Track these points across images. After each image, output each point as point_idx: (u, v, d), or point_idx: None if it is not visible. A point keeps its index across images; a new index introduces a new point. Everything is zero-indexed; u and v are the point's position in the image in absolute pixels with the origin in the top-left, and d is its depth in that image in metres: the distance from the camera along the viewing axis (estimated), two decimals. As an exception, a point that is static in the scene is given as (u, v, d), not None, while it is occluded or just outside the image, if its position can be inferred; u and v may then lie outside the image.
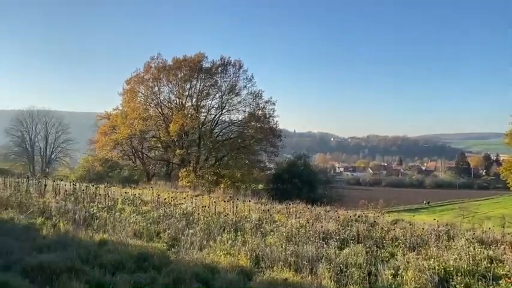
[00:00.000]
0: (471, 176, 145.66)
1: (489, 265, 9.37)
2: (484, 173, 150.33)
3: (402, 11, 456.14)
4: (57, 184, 17.92)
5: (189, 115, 44.45)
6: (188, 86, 45.54)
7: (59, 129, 71.85)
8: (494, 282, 7.84)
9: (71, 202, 13.60)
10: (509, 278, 8.24)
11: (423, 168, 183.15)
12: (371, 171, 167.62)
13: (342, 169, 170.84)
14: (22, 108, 73.65)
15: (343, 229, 12.87)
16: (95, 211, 12.40)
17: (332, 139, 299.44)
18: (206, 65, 45.43)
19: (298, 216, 15.56)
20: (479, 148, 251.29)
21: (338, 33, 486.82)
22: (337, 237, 10.94)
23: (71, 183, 19.66)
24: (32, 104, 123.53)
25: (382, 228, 13.95)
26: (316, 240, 10.31)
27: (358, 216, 16.60)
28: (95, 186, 19.39)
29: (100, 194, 16.74)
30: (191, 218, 12.92)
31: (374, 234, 12.87)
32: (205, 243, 9.52)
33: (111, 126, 46.67)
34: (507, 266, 9.54)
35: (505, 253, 11.05)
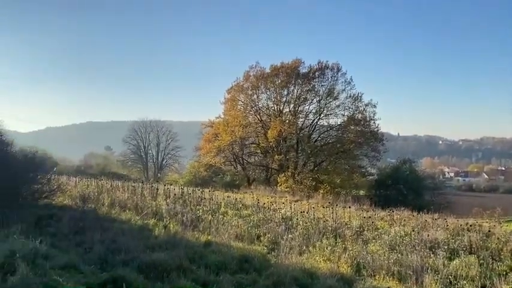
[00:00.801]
0: None
1: None
2: None
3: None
4: (167, 188, 19.38)
5: (287, 121, 44.87)
6: (285, 92, 46.04)
7: (168, 138, 77.66)
8: None
9: (180, 205, 14.61)
10: None
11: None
12: (486, 176, 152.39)
13: (452, 174, 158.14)
14: (137, 119, 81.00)
15: (452, 238, 11.98)
16: (200, 214, 13.17)
17: (440, 142, 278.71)
18: (303, 70, 45.50)
19: (402, 224, 14.83)
20: None
21: (439, 29, 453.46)
22: (446, 247, 10.20)
23: (179, 188, 21.13)
24: (145, 115, 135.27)
25: (499, 238, 12.68)
26: (422, 250, 9.73)
27: (471, 225, 15.27)
28: (200, 190, 20.60)
29: (205, 198, 17.72)
30: (290, 223, 13.05)
31: (489, 245, 11.77)
32: (304, 248, 9.55)
33: (214, 133, 49.03)
34: None
35: None
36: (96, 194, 14.52)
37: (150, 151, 77.55)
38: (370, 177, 47.35)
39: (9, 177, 9.23)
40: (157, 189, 18.44)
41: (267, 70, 46.23)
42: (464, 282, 7.26)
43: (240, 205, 17.14)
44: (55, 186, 11.89)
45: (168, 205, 14.08)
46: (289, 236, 10.40)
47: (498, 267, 9.01)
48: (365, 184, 45.41)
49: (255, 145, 50.27)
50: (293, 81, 45.17)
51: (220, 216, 13.11)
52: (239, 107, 48.29)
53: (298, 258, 8.40)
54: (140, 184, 19.94)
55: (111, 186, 18.98)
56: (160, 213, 12.54)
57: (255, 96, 47.57)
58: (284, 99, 46.36)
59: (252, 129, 47.91)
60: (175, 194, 17.62)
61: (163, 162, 77.40)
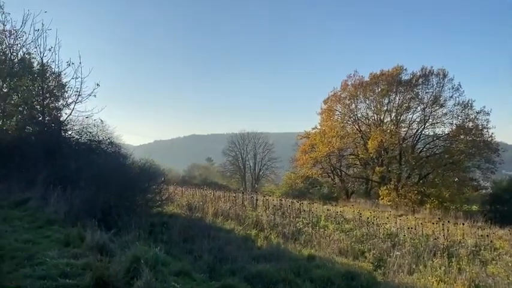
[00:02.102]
0: None
1: None
2: None
3: None
4: (266, 199, 19.63)
5: (388, 131, 42.94)
6: (386, 101, 44.18)
7: (265, 149, 79.14)
8: None
9: (279, 216, 14.67)
10: None
11: None
12: None
13: None
14: (235, 131, 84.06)
15: None
16: (300, 226, 13.07)
17: None
18: (405, 77, 43.29)
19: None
20: None
21: None
22: None
23: (277, 199, 21.30)
24: (243, 128, 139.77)
25: None
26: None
27: None
28: (298, 202, 20.53)
29: (304, 210, 17.59)
30: (396, 239, 12.35)
31: None
32: (414, 267, 8.93)
33: (311, 144, 48.77)
34: None
35: None
36: (201, 203, 15.21)
37: (248, 162, 79.73)
38: (484, 191, 43.12)
39: (128, 187, 10.07)
40: (256, 199, 18.76)
41: (366, 78, 44.95)
42: None
43: (341, 219, 16.69)
44: (166, 196, 12.69)
45: (268, 216, 14.22)
46: (397, 253, 9.81)
47: None
48: (478, 199, 41.41)
49: (353, 156, 48.92)
50: (394, 89, 43.21)
51: (321, 230, 12.86)
52: (336, 117, 47.52)
53: (408, 277, 7.86)
54: (240, 195, 20.47)
55: (213, 196, 19.77)
56: (261, 224, 12.69)
57: (353, 105, 46.45)
58: (385, 108, 44.53)
59: (351, 140, 46.72)
60: (274, 205, 17.76)
61: (260, 173, 78.96)
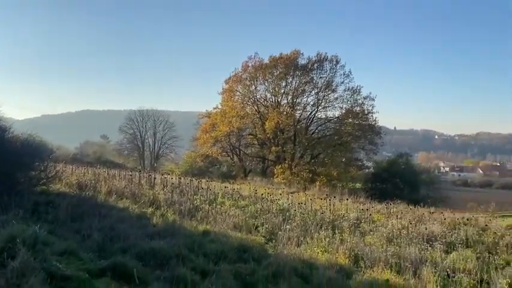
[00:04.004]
0: None
1: None
2: None
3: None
4: (165, 178, 19.32)
5: (285, 112, 44.81)
6: (284, 84, 45.91)
7: (165, 127, 77.28)
8: None
9: (177, 194, 14.57)
10: None
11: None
12: (481, 171, 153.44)
13: (447, 169, 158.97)
14: (133, 108, 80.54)
15: (449, 232, 12.04)
16: (198, 203, 13.15)
17: (436, 137, 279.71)
18: (302, 61, 45.36)
19: (399, 217, 14.88)
20: None
21: (445, 23, 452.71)
22: (443, 240, 10.26)
23: (176, 177, 21.10)
24: (142, 104, 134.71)
25: (495, 233, 12.77)
26: (420, 243, 9.78)
27: (467, 219, 15.39)
28: (197, 180, 20.58)
29: (202, 188, 17.70)
30: (287, 214, 13.06)
31: (485, 239, 11.87)
32: (302, 239, 9.56)
33: (211, 124, 48.93)
34: None
35: None
36: (93, 182, 14.44)
37: (147, 140, 77.26)
38: (367, 171, 47.56)
39: (6, 163, 9.13)
40: (154, 178, 18.38)
41: (266, 61, 46.08)
42: (462, 275, 7.28)
43: (237, 195, 17.15)
44: (52, 173, 11.78)
45: (165, 194, 14.04)
46: (287, 226, 10.41)
47: (495, 261, 9.07)
48: (361, 177, 45.60)
49: (252, 136, 50.23)
50: (292, 73, 45.03)
51: (218, 206, 13.10)
52: (237, 97, 48.16)
53: (296, 249, 8.40)
54: (137, 173, 19.86)
55: (108, 174, 18.89)
56: (158, 202, 12.49)
57: (253, 87, 47.45)
58: (282, 90, 46.24)
59: (250, 120, 47.84)
60: (172, 184, 17.57)
61: (160, 152, 77.23)
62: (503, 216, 30.67)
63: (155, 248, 6.48)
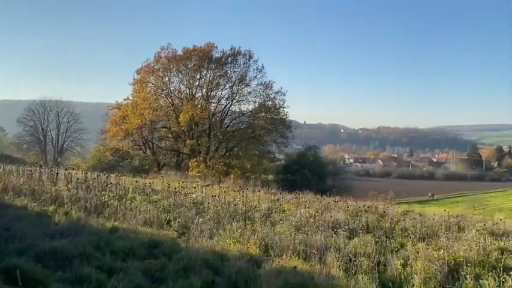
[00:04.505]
0: (483, 168, 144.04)
1: (500, 256, 9.32)
2: (496, 165, 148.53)
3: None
4: (69, 173, 18.13)
5: (199, 105, 44.54)
6: (198, 76, 45.57)
7: (70, 119, 72.30)
8: (505, 273, 7.78)
9: (83, 190, 13.76)
10: (520, 269, 8.19)
11: (434, 160, 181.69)
12: (381, 162, 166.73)
13: (351, 160, 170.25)
14: (34, 98, 74.13)
15: (352, 219, 12.90)
16: (106, 199, 12.54)
17: (342, 130, 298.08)
18: (216, 55, 45.43)
19: (307, 206, 15.60)
20: (491, 140, 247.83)
21: (349, 23, 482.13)
22: (346, 227, 10.95)
23: (83, 172, 19.90)
24: (44, 94, 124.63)
25: (391, 219, 13.93)
26: (325, 230, 10.35)
27: (368, 207, 16.60)
28: (106, 175, 19.60)
29: (111, 183, 16.90)
30: (201, 207, 13.03)
31: (383, 224, 12.89)
32: (215, 231, 9.59)
33: (122, 116, 46.94)
34: (519, 258, 9.49)
35: (517, 245, 10.98)
36: (-15, 178, 13.07)
37: (49, 133, 71.68)
38: (278, 163, 49.22)
39: None
40: (57, 173, 17.14)
41: (179, 52, 45.29)
42: (362, 258, 7.84)
43: (150, 190, 16.67)
44: None
45: (69, 191, 13.18)
46: (200, 219, 10.38)
47: (391, 244, 9.93)
48: (273, 169, 47.10)
49: (165, 129, 49.17)
50: (206, 66, 44.83)
51: (128, 202, 12.61)
52: (149, 89, 46.75)
53: (209, 241, 8.41)
54: (38, 168, 18.36)
55: (3, 170, 17.22)
56: (61, 199, 11.69)
57: (167, 78, 46.43)
58: (197, 83, 45.87)
59: (163, 113, 46.75)
60: (77, 179, 16.54)
61: (65, 146, 72.21)
62: (399, 203, 33.67)
63: (56, 247, 6.06)
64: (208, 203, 13.95)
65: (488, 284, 6.97)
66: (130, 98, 47.89)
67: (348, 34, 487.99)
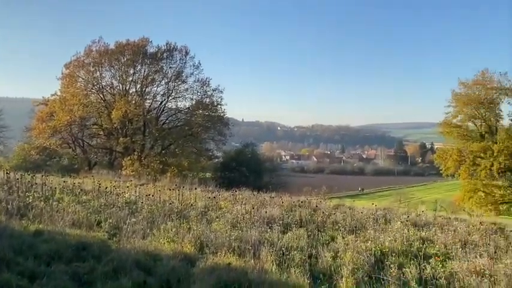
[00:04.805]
0: (408, 164, 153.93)
1: (421, 245, 10.02)
2: (420, 161, 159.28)
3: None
4: (-12, 173, 16.81)
5: (133, 102, 43.10)
6: (132, 71, 44.05)
7: (-11, 115, 66.85)
8: (425, 261, 8.38)
9: (4, 192, 12.84)
10: (438, 257, 8.86)
11: (364, 156, 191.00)
12: (315, 159, 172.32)
13: (287, 157, 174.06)
14: None
15: (286, 214, 13.20)
16: (30, 201, 11.78)
17: (279, 128, 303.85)
18: (151, 50, 44.19)
19: (244, 203, 15.70)
20: (416, 137, 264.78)
21: (285, 23, 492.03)
22: (281, 222, 11.20)
23: (4, 173, 18.52)
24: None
25: (323, 212, 14.44)
26: (261, 225, 10.50)
27: (301, 202, 17.06)
28: (31, 175, 18.39)
29: (36, 183, 15.90)
30: (134, 207, 12.66)
31: (316, 218, 13.31)
32: (148, 231, 9.37)
33: (49, 112, 44.22)
34: (437, 246, 10.26)
35: (435, 234, 11.86)
36: None
37: (-34, 131, 65.78)
38: (217, 160, 49.10)
39: None
40: (-26, 174, 15.82)
41: (112, 47, 43.52)
42: (295, 252, 8.06)
43: (79, 190, 15.88)
44: None
45: (-12, 192, 12.23)
46: (133, 220, 10.08)
47: (322, 237, 10.29)
48: (211, 167, 46.90)
49: (97, 126, 47.07)
50: (140, 61, 43.50)
51: (55, 203, 11.93)
52: (79, 84, 44.44)
53: (141, 242, 8.20)
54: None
55: None
56: (-22, 202, 10.82)
57: (98, 73, 44.41)
58: (130, 78, 44.36)
59: (94, 109, 44.70)
60: (-2, 180, 15.40)
61: (-17, 144, 66.61)
62: (332, 197, 34.98)
63: (-30, 254, 5.61)
64: (142, 202, 13.59)
65: (410, 272, 7.46)
66: (59, 93, 45.25)
67: (284, 34, 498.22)
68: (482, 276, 7.41)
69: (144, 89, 44.66)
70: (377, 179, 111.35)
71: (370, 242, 9.51)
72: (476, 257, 8.72)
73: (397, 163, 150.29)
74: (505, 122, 33.09)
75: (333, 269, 7.56)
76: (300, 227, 11.61)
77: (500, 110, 33.30)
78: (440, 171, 37.08)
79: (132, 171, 37.05)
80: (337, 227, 11.78)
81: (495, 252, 10.01)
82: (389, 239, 10.03)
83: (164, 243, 8.40)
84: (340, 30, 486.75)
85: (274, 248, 8.15)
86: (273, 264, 7.31)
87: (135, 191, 17.30)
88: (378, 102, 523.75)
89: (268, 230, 10.13)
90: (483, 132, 33.59)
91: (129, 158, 40.37)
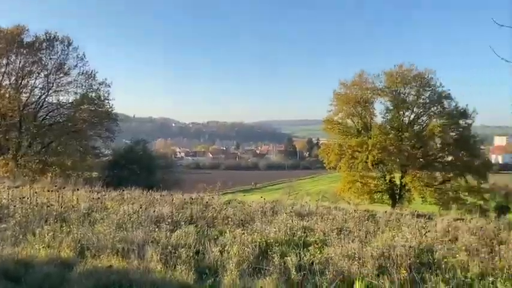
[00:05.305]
0: (297, 158, 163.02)
1: (303, 234, 10.74)
2: (307, 155, 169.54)
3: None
4: None
5: (7, 95, 38.71)
6: (5, 62, 39.42)
7: None
8: (305, 249, 9.00)
9: None
10: (317, 244, 9.58)
11: (258, 151, 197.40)
12: (211, 155, 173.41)
13: (183, 154, 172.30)
14: None
15: (177, 212, 13.09)
16: None
17: (173, 124, 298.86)
18: (28, 39, 40.04)
19: (132, 202, 15.18)
20: (304, 133, 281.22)
21: (177, 15, 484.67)
22: (170, 220, 11.08)
23: None
24: None
25: (214, 208, 14.64)
26: (148, 225, 10.27)
27: (194, 199, 17.07)
28: None
29: None
30: (6, 212, 11.47)
31: (207, 214, 13.44)
32: (21, 237, 8.59)
33: None
34: (317, 234, 11.08)
35: (316, 223, 12.78)
36: None
37: None
38: (105, 158, 46.52)
39: None
40: None
41: (-21, 33, 38.53)
42: (183, 250, 8.05)
43: None
44: None
45: None
46: (3, 225, 9.14)
47: (211, 233, 10.45)
48: (99, 165, 44.24)
49: (-39, 122, 41.36)
50: (15, 50, 39.19)
51: None
52: None
53: (12, 249, 7.47)
54: None
55: None
56: None
57: (-38, 63, 39.01)
58: (3, 69, 39.72)
59: (-42, 103, 39.20)
60: None
61: None
62: (226, 193, 35.57)
63: None
64: (15, 206, 12.35)
65: (291, 260, 7.95)
66: None
67: (178, 29, 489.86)
68: (353, 260, 8.20)
69: (20, 82, 40.32)
70: (270, 173, 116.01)
71: (256, 234, 9.91)
72: (349, 242, 9.63)
73: (287, 158, 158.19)
74: (378, 119, 36.71)
75: (219, 263, 7.72)
76: (190, 223, 11.62)
77: (374, 109, 36.89)
78: (324, 165, 39.80)
79: (6, 172, 33.31)
80: (226, 222, 12.04)
81: (366, 236, 11.15)
82: (274, 230, 10.56)
83: (40, 249, 7.76)
84: (236, 28, 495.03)
85: (161, 247, 8.05)
86: (158, 263, 7.22)
87: (8, 194, 15.67)
88: (270, 100, 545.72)
89: (156, 229, 9.95)
90: (360, 129, 36.86)
91: (2, 158, 36.25)
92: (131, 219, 10.94)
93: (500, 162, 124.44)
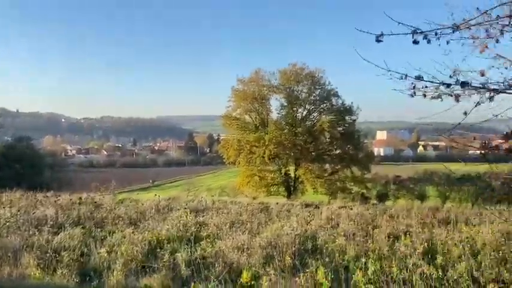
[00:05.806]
0: (198, 154, 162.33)
1: (197, 229, 10.82)
2: (208, 151, 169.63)
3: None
4: None
5: None
6: None
7: None
8: (197, 244, 9.08)
9: None
10: (209, 238, 9.74)
11: (156, 148, 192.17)
12: (105, 152, 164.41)
13: (74, 152, 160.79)
14: None
15: (62, 214, 12.32)
16: None
17: (63, 120, 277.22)
18: None
19: (10, 205, 13.88)
20: (206, 129, 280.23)
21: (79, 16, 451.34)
22: (52, 223, 10.41)
23: None
24: None
25: (106, 208, 14.06)
26: (28, 229, 9.53)
27: (83, 199, 16.21)
28: None
29: None
30: None
31: (96, 215, 12.85)
32: None
33: None
34: (210, 228, 11.24)
35: (211, 217, 12.96)
36: None
37: None
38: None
39: None
40: None
41: None
42: (65, 252, 7.62)
43: None
44: None
45: None
46: None
47: (100, 233, 10.02)
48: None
49: None
50: None
51: None
52: None
53: None
54: None
55: None
56: None
57: None
58: None
59: None
60: None
61: None
62: (121, 192, 34.19)
63: None
64: None
65: (181, 256, 7.98)
66: None
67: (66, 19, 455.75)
68: (242, 251, 8.50)
69: None
70: (169, 170, 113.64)
71: (147, 232, 9.75)
72: (239, 234, 9.94)
73: (187, 154, 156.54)
74: (273, 115, 38.05)
75: (106, 264, 7.46)
76: (77, 225, 11.01)
77: (270, 105, 38.11)
78: (224, 160, 40.22)
79: None
80: (117, 222, 11.64)
81: (257, 227, 11.60)
82: (167, 227, 10.48)
83: None
84: (140, 26, 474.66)
85: (41, 251, 7.54)
86: (37, 268, 6.76)
87: None
88: (169, 94, 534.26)
89: (37, 233, 9.27)
90: (257, 124, 37.86)
91: None
92: (7, 223, 10.03)
93: (382, 154, 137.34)
